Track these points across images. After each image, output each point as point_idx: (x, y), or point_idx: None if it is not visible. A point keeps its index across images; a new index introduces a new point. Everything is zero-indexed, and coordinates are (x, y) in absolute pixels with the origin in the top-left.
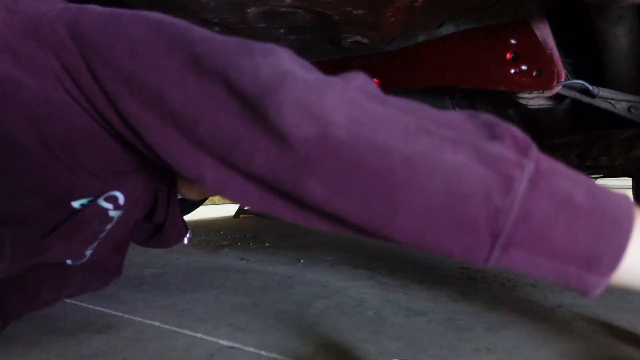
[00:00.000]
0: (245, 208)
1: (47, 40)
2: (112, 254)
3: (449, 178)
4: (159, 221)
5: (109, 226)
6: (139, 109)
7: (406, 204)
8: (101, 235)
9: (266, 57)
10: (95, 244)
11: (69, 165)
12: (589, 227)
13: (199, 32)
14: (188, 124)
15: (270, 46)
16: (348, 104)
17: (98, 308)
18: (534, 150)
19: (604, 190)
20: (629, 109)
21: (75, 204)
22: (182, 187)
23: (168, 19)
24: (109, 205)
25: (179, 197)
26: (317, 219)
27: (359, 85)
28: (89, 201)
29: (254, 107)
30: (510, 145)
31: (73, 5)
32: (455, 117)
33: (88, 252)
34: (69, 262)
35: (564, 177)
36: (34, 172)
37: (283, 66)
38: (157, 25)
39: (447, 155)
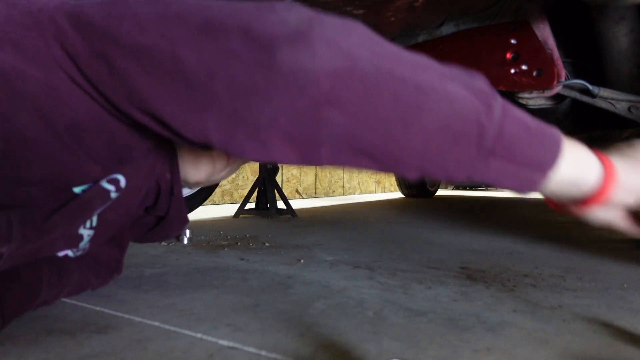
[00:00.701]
0: (245, 208)
1: (47, 31)
2: (110, 246)
3: (450, 102)
4: (161, 213)
5: (108, 203)
6: (152, 82)
7: (417, 124)
8: (98, 211)
9: (289, 9)
10: (91, 227)
11: (76, 153)
12: (538, 142)
13: None
14: (203, 82)
15: (287, 1)
16: (370, 41)
17: (98, 308)
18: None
19: (540, 121)
20: (629, 109)
21: (77, 190)
22: (188, 167)
23: None
24: (111, 187)
25: (186, 190)
26: (326, 154)
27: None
28: (92, 184)
29: (276, 53)
30: (486, 84)
31: None
32: (443, 64)
33: (85, 234)
34: (69, 253)
35: (517, 110)
36: (41, 161)
37: (307, 13)
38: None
39: (448, 85)
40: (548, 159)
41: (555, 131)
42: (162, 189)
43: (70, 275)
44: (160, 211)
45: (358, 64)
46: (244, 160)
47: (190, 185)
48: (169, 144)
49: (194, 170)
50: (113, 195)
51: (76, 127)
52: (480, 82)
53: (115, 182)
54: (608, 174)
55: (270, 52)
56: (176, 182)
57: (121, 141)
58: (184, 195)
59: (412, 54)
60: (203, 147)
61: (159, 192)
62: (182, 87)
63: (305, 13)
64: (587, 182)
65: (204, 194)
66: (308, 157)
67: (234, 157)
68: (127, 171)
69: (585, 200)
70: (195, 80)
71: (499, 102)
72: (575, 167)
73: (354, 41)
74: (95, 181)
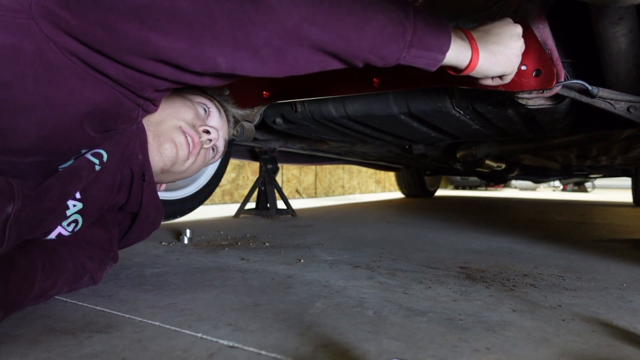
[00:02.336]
0: (246, 208)
1: (36, 13)
2: (99, 228)
3: (386, 12)
4: (135, 207)
5: (93, 175)
6: (154, 35)
7: (367, 29)
8: (85, 182)
9: None
10: (77, 199)
11: (70, 121)
12: (438, 32)
13: None
14: (204, 23)
15: None
16: None
17: (98, 308)
18: None
19: (440, 18)
20: (628, 109)
21: (61, 168)
22: (154, 153)
23: None
24: (95, 160)
25: (186, 190)
26: (305, 61)
27: None
28: (78, 156)
29: None
30: None
31: None
32: None
33: (70, 204)
34: (63, 232)
35: (422, 11)
36: (38, 128)
37: None
38: None
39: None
40: (444, 44)
41: (447, 25)
42: (135, 175)
43: (63, 263)
44: (135, 204)
45: None
46: (208, 162)
47: (157, 176)
48: (142, 126)
49: (159, 156)
50: (97, 167)
51: (70, 96)
52: None
53: (99, 156)
54: (473, 57)
55: None
56: (147, 166)
57: (111, 108)
58: (183, 196)
59: None
60: (210, 79)
61: (132, 180)
62: (186, 31)
63: None
64: (463, 60)
65: (204, 194)
66: (294, 67)
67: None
68: (108, 147)
69: (462, 70)
70: (197, 23)
71: (410, 8)
72: (457, 50)
73: None
74: (83, 151)
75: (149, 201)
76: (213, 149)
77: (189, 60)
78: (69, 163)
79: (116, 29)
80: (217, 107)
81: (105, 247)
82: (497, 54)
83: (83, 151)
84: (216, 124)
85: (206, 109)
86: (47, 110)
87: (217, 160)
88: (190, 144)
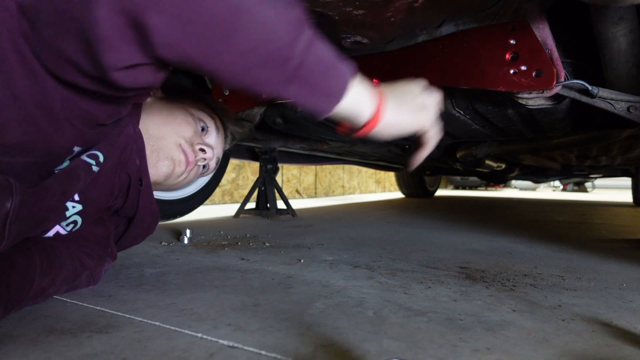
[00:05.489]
0: (246, 208)
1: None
2: (96, 225)
3: (264, 28)
4: (132, 211)
5: (91, 176)
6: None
7: (232, 42)
8: (83, 183)
9: None
10: (75, 201)
11: (49, 115)
12: (331, 76)
13: None
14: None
15: None
16: None
17: (98, 308)
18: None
19: (339, 57)
20: (628, 109)
21: (57, 170)
22: (150, 167)
23: None
24: (91, 161)
25: (185, 190)
26: (155, 63)
27: None
28: (73, 156)
29: None
30: (301, 14)
31: None
32: None
33: (69, 205)
34: (61, 230)
35: (321, 44)
36: (20, 126)
37: None
38: None
39: (266, 11)
40: (336, 92)
41: (347, 70)
42: (132, 179)
43: (62, 261)
44: (131, 208)
45: None
46: (197, 177)
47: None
48: (138, 131)
49: (154, 170)
50: (94, 168)
51: (37, 93)
52: (296, 11)
53: (95, 157)
54: (377, 114)
55: None
56: (144, 170)
57: (92, 108)
58: (183, 196)
59: None
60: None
61: (130, 184)
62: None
63: None
64: (362, 116)
65: (204, 194)
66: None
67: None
68: (103, 148)
69: (359, 128)
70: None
71: (306, 35)
72: (356, 103)
73: None
74: (76, 151)
75: (146, 205)
76: (204, 166)
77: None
78: (64, 164)
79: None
80: (216, 126)
81: (103, 244)
82: (405, 113)
83: (76, 149)
84: (213, 142)
85: (205, 127)
86: (20, 105)
87: (208, 175)
88: (186, 161)
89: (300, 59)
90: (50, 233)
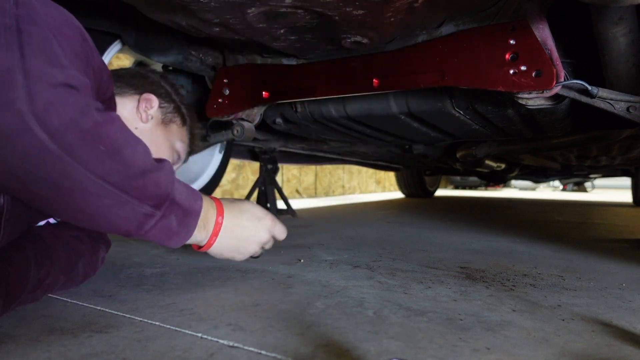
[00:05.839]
0: None
1: None
2: None
3: (116, 208)
4: None
5: None
6: None
7: (78, 212)
8: None
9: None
10: None
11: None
12: (182, 230)
13: None
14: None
15: None
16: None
17: (99, 307)
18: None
19: (194, 194)
20: (628, 109)
21: None
22: None
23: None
24: None
25: None
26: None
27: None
28: None
29: None
30: (166, 182)
31: None
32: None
33: None
34: (51, 220)
35: (176, 206)
36: None
37: None
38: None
39: (126, 187)
40: (184, 237)
41: (194, 219)
42: None
43: (54, 251)
44: None
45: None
46: None
47: None
48: None
49: None
50: None
51: None
52: (162, 180)
53: None
54: (209, 241)
55: None
56: None
57: None
58: None
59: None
60: None
61: None
62: None
63: None
64: (200, 242)
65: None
66: None
67: None
68: None
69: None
70: None
71: (166, 204)
72: (197, 237)
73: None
74: None
75: None
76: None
77: None
78: None
79: None
80: (186, 150)
81: (95, 235)
82: (238, 239)
83: None
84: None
85: (179, 156)
86: None
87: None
88: None
89: (156, 222)
90: (41, 222)
